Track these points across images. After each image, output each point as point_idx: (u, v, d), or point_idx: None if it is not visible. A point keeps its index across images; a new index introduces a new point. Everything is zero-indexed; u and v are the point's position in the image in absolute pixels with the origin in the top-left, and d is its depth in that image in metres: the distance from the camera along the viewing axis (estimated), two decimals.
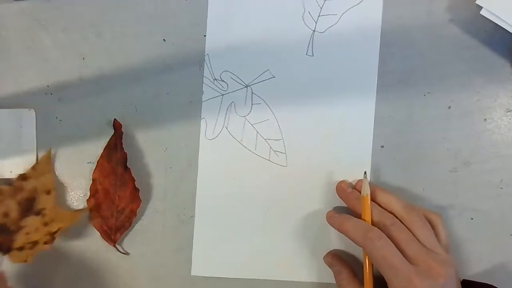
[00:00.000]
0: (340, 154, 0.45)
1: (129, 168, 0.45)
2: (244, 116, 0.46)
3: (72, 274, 0.46)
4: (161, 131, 0.46)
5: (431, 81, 0.45)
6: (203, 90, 0.46)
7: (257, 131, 0.46)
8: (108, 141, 0.45)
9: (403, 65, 0.45)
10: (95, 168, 0.45)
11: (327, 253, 0.45)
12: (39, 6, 0.47)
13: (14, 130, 0.46)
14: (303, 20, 0.45)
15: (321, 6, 0.45)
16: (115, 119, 0.45)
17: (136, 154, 0.46)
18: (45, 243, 0.43)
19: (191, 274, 0.46)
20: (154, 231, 0.46)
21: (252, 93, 0.46)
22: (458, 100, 0.45)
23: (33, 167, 0.45)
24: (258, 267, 0.46)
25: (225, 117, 0.46)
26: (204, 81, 0.46)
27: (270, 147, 0.46)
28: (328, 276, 0.45)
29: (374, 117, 0.45)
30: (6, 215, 0.43)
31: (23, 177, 0.44)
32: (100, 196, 0.45)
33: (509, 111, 0.44)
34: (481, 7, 0.41)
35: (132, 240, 0.46)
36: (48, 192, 0.44)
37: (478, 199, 0.45)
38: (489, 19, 0.41)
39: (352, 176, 0.45)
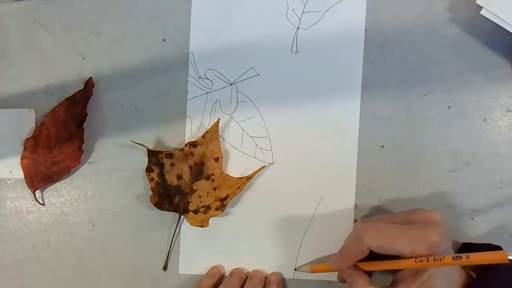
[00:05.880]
0: (326, 150, 0.45)
1: (83, 128, 0.45)
2: (229, 114, 0.46)
3: None
4: (161, 131, 0.46)
5: (431, 81, 0.45)
6: (188, 88, 0.46)
7: (242, 129, 0.46)
8: (74, 94, 0.46)
9: (403, 65, 0.45)
10: (49, 113, 0.45)
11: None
12: (39, 6, 0.47)
13: (14, 130, 0.46)
14: (287, 17, 0.45)
15: (304, 3, 0.45)
16: (90, 77, 0.46)
17: (135, 154, 0.46)
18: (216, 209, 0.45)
19: (179, 273, 0.46)
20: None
21: (237, 91, 0.46)
22: (458, 100, 0.45)
23: (203, 135, 0.45)
24: (244, 264, 0.46)
25: (210, 115, 0.46)
26: (188, 80, 0.46)
27: (256, 145, 0.46)
28: (317, 274, 0.45)
29: (374, 117, 0.45)
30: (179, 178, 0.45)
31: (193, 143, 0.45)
32: (41, 141, 0.45)
33: (509, 111, 0.44)
34: (481, 7, 0.41)
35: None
36: (216, 159, 0.45)
37: (478, 199, 0.45)
38: (489, 19, 0.41)
39: (338, 171, 0.45)
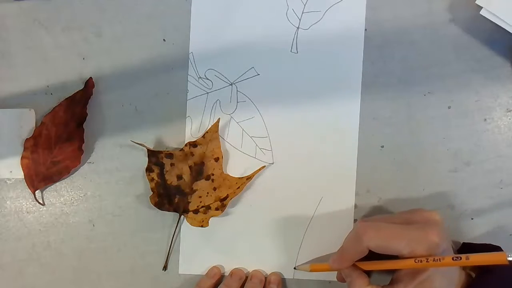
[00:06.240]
0: (326, 150, 0.45)
1: (83, 128, 0.45)
2: (229, 114, 0.46)
3: None
4: (161, 131, 0.46)
5: (431, 81, 0.45)
6: (188, 88, 0.46)
7: (242, 129, 0.46)
8: (74, 93, 0.46)
9: (403, 65, 0.45)
10: (49, 113, 0.45)
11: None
12: (39, 6, 0.47)
13: (14, 130, 0.46)
14: (287, 17, 0.45)
15: (304, 3, 0.45)
16: (90, 77, 0.46)
17: (135, 154, 0.46)
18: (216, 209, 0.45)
19: (179, 273, 0.46)
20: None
21: (237, 91, 0.46)
22: (458, 100, 0.45)
23: (203, 135, 0.45)
24: (244, 264, 0.46)
25: (210, 115, 0.46)
26: (188, 80, 0.46)
27: (256, 145, 0.46)
28: (317, 274, 0.45)
29: (374, 117, 0.45)
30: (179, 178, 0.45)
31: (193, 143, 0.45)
32: (41, 140, 0.45)
33: (509, 111, 0.44)
34: (481, 7, 0.41)
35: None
36: (216, 159, 0.45)
37: (478, 199, 0.45)
38: (489, 19, 0.41)
39: (338, 171, 0.45)
